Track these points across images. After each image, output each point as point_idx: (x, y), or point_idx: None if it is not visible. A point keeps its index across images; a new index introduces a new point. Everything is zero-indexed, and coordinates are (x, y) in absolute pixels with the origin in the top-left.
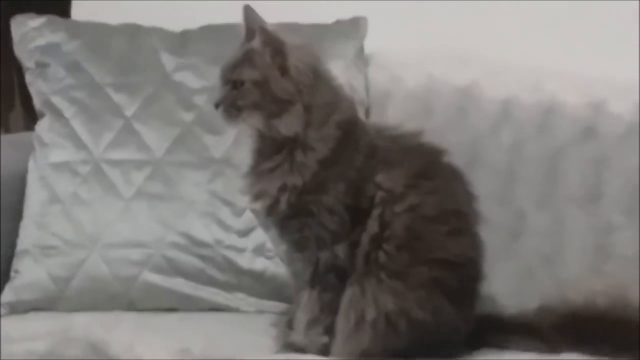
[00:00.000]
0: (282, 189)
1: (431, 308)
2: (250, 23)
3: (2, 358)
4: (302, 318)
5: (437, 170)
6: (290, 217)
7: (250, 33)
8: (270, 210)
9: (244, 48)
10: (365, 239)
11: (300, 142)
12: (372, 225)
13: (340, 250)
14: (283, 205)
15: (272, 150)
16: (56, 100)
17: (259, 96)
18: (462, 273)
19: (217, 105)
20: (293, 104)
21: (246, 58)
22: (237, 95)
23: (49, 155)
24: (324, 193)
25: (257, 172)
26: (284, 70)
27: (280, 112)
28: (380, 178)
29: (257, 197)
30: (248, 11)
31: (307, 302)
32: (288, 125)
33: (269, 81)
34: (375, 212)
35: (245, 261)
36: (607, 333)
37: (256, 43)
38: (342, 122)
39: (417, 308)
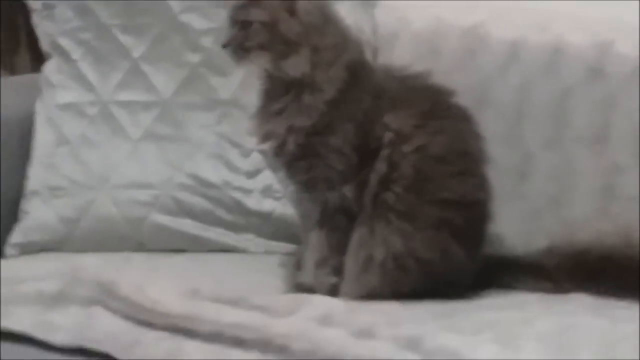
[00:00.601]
0: (290, 130)
1: (439, 248)
2: None
3: (11, 297)
4: (310, 258)
5: (445, 111)
6: (298, 158)
7: None
8: (278, 151)
9: None
10: (373, 179)
11: (307, 83)
12: (381, 166)
13: (349, 190)
14: (291, 146)
15: (280, 91)
16: (63, 41)
17: (267, 37)
18: (469, 214)
19: (224, 46)
20: (301, 44)
21: None
22: (245, 35)
23: (57, 97)
24: (331, 134)
25: (265, 113)
26: (292, 11)
27: (288, 53)
28: (388, 118)
29: (265, 138)
30: None
31: (315, 243)
32: (296, 66)
33: (278, 22)
34: (384, 153)
35: (254, 202)
36: (614, 273)
37: None
38: (350, 63)
39: (426, 248)
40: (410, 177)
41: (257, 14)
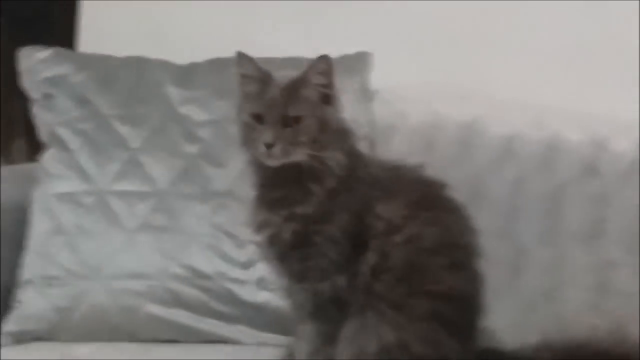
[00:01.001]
0: (289, 218)
1: (431, 341)
2: (245, 68)
3: None
4: (302, 350)
5: (437, 202)
6: (292, 247)
7: (246, 77)
8: (273, 240)
9: (291, 82)
10: (365, 269)
11: (310, 171)
12: (372, 256)
13: (342, 280)
14: (286, 235)
15: (280, 179)
16: (62, 131)
17: (318, 130)
18: (461, 306)
19: (270, 145)
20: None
21: (298, 92)
22: (297, 131)
23: (54, 186)
24: (328, 222)
25: (262, 202)
26: (329, 100)
27: (328, 143)
28: (380, 208)
29: (260, 226)
30: (242, 57)
31: (307, 334)
32: (331, 156)
33: (328, 114)
34: (375, 243)
35: (247, 293)
36: None
37: (311, 75)
38: (349, 152)
39: (417, 341)
40: (400, 267)
41: (306, 108)
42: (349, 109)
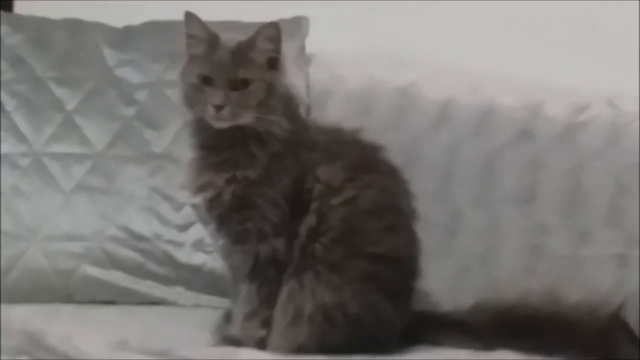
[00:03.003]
0: (230, 180)
1: (367, 302)
2: (193, 29)
3: None
4: (239, 311)
5: (374, 166)
6: (233, 209)
7: (194, 38)
8: (213, 202)
9: (240, 45)
10: (303, 231)
11: (254, 135)
12: (310, 218)
13: (280, 243)
14: (227, 197)
15: (223, 142)
16: None
17: (265, 94)
18: (397, 268)
19: (220, 107)
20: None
21: (247, 56)
22: (246, 95)
23: None
24: (269, 186)
25: (202, 164)
26: (276, 65)
27: (274, 108)
28: (319, 171)
29: (200, 189)
30: (190, 18)
31: (245, 296)
32: (276, 120)
33: (275, 78)
34: (314, 205)
35: (184, 255)
36: (540, 331)
37: (260, 40)
38: (292, 116)
39: (353, 302)
40: (338, 229)
41: (256, 73)
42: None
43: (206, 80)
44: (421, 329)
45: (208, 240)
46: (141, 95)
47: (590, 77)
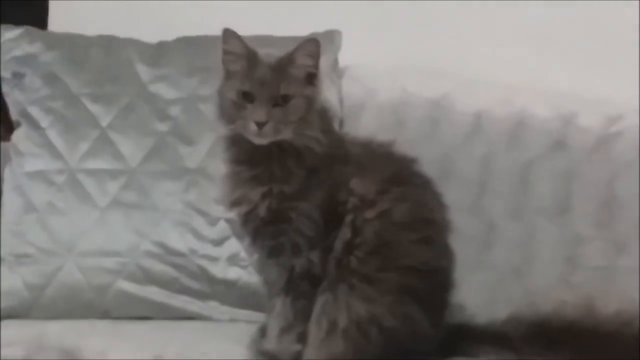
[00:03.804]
0: (266, 194)
1: (401, 315)
2: (231, 45)
3: None
4: (275, 325)
5: (408, 178)
6: (268, 223)
7: (232, 54)
8: (248, 216)
9: (279, 61)
10: (338, 245)
11: (295, 149)
12: (345, 231)
13: (315, 256)
14: (262, 211)
15: (259, 157)
16: (33, 110)
17: (305, 109)
18: (431, 281)
19: (263, 124)
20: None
21: (288, 72)
22: (287, 110)
23: (25, 165)
24: (304, 200)
25: (237, 179)
26: (314, 80)
27: (312, 123)
28: (353, 184)
29: (235, 203)
30: (229, 35)
31: (280, 310)
32: (314, 135)
33: (313, 94)
34: (348, 218)
35: (219, 270)
36: (575, 342)
37: (299, 56)
38: (328, 130)
39: (388, 314)
40: (372, 242)
41: (296, 89)
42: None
43: (247, 97)
44: (456, 342)
45: (243, 254)
46: (175, 111)
47: (623, 88)
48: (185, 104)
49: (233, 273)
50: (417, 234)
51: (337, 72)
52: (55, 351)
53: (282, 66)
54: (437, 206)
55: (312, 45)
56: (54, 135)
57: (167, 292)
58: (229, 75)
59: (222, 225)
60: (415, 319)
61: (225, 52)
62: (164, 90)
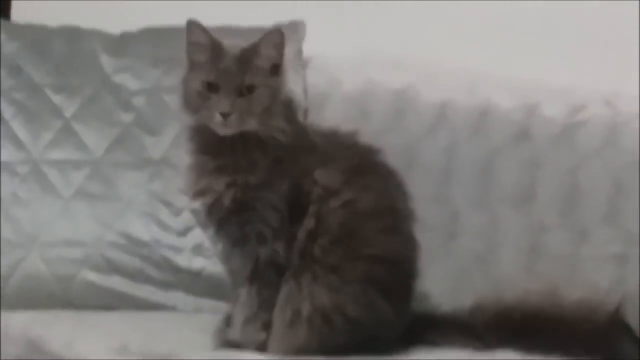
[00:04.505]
0: (230, 185)
1: (365, 303)
2: (196, 36)
3: None
4: (239, 315)
5: (372, 168)
6: (232, 213)
7: (196, 45)
8: (212, 207)
9: (244, 52)
10: (301, 234)
11: (260, 140)
12: (309, 221)
13: (279, 246)
14: (227, 201)
15: (223, 148)
16: None
17: (269, 100)
18: (396, 270)
19: (227, 114)
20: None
21: (252, 63)
22: (252, 101)
23: None
24: (269, 190)
25: (201, 169)
26: (279, 71)
27: (277, 113)
28: (317, 175)
29: (199, 194)
30: (193, 25)
31: (245, 299)
32: (279, 125)
33: (278, 84)
34: (312, 208)
35: (184, 260)
36: (540, 330)
37: (264, 46)
38: (292, 120)
39: (352, 303)
40: (336, 231)
41: (261, 79)
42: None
43: (212, 87)
44: (421, 330)
45: (207, 244)
46: (139, 101)
47: (587, 77)
48: (149, 94)
49: (197, 263)
50: (381, 223)
51: (302, 62)
52: (19, 342)
53: (247, 57)
54: (401, 195)
55: (277, 36)
56: (17, 126)
57: (132, 282)
58: (193, 66)
59: (187, 216)
60: (379, 307)
61: (190, 43)
62: (128, 81)
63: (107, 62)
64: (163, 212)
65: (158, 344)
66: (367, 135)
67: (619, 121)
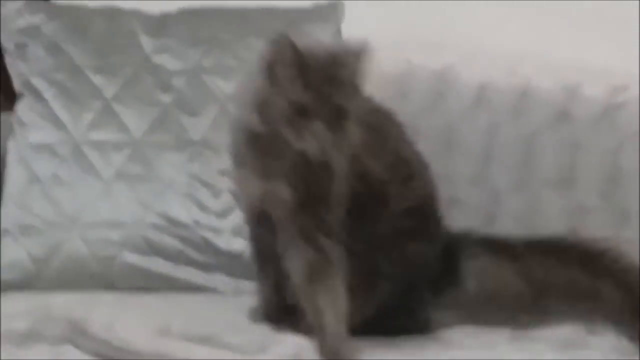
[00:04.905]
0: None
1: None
2: (281, 52)
3: None
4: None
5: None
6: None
7: (281, 62)
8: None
9: (330, 67)
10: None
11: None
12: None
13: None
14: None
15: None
16: (36, 81)
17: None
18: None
19: (317, 139)
20: None
21: (340, 79)
22: (342, 124)
23: (29, 136)
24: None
25: (259, 169)
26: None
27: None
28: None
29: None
30: (279, 40)
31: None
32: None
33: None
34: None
35: (224, 242)
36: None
37: (349, 60)
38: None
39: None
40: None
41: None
42: None
43: (299, 109)
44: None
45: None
46: (178, 82)
47: (628, 58)
48: (188, 75)
49: (237, 245)
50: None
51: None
52: (61, 323)
53: (336, 75)
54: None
55: (362, 51)
56: (57, 107)
57: (172, 264)
58: (276, 82)
59: (226, 197)
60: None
61: (274, 59)
62: (168, 62)
63: (146, 42)
64: (203, 193)
65: (199, 326)
66: (406, 116)
67: None
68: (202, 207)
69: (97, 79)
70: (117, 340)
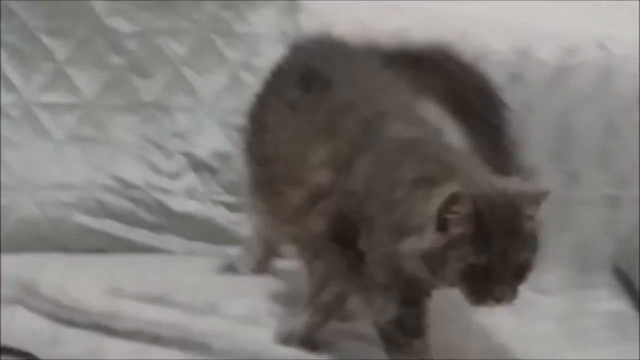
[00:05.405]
0: None
1: None
2: (462, 208)
3: None
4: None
5: None
6: None
7: (461, 218)
8: None
9: (512, 221)
10: None
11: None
12: None
13: None
14: None
15: None
16: None
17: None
18: None
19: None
20: None
21: (525, 235)
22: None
23: None
24: None
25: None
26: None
27: None
28: None
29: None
30: (458, 197)
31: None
32: None
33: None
34: None
35: (176, 203)
36: None
37: (527, 209)
38: None
39: None
40: None
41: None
42: (274, 19)
43: (480, 272)
44: None
45: (200, 188)
46: (130, 44)
47: (580, 20)
48: (141, 37)
49: (190, 206)
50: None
51: (295, 6)
52: (12, 284)
53: (520, 230)
54: None
55: (537, 195)
56: (8, 69)
57: (124, 226)
58: (452, 239)
59: (179, 159)
60: None
61: (455, 215)
62: (120, 24)
63: (98, 4)
64: (155, 155)
65: (150, 286)
66: None
67: (612, 64)
68: (154, 169)
69: (48, 41)
70: (68, 300)
